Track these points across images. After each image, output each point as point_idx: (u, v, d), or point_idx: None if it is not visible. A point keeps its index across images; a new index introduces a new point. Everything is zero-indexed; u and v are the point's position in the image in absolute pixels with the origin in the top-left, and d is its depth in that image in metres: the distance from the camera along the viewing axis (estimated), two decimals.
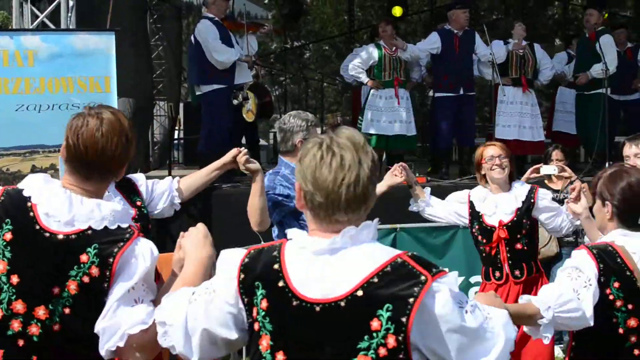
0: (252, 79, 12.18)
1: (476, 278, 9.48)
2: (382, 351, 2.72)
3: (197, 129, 12.83)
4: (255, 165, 5.83)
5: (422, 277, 2.76)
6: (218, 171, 6.00)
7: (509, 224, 6.88)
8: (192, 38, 11.74)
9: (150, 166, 15.75)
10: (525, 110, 13.03)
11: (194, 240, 3.44)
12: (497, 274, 6.97)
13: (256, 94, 12.02)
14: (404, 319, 2.71)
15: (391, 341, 2.71)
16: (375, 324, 2.72)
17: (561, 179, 8.52)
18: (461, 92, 12.72)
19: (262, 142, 26.39)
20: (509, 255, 6.92)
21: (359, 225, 2.86)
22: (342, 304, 2.76)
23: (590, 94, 13.11)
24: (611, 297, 4.07)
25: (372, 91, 12.81)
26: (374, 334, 2.73)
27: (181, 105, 18.51)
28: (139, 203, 5.66)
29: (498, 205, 6.93)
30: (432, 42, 12.86)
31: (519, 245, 6.91)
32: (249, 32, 12.04)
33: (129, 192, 5.68)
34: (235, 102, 11.65)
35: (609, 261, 4.08)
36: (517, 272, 6.91)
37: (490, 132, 13.16)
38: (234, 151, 5.85)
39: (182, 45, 18.03)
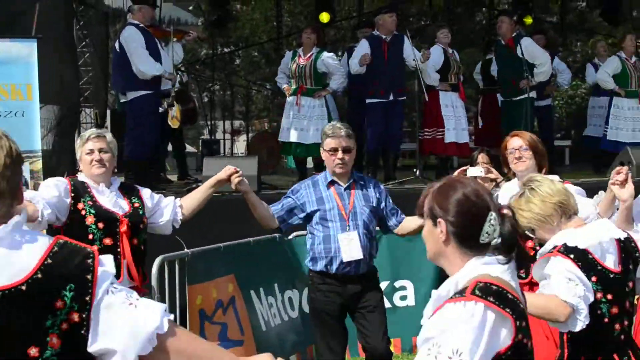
0: (178, 85, 12.10)
1: (401, 282, 9.50)
2: (64, 326, 2.71)
3: (123, 136, 12.72)
4: (245, 186, 6.30)
5: (88, 250, 2.80)
6: (213, 189, 6.46)
7: None
8: (117, 44, 11.63)
9: (77, 174, 15.53)
10: (459, 113, 13.20)
11: None
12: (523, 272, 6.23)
13: (180, 101, 11.95)
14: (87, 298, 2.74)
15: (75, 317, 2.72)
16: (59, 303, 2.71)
17: (487, 181, 8.58)
18: (391, 97, 12.75)
19: (191, 149, 26.30)
20: None
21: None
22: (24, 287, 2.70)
23: (517, 100, 13.25)
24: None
25: (287, 99, 12.86)
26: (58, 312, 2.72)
27: (108, 112, 18.33)
28: (136, 204, 6.27)
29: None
30: (363, 50, 12.83)
31: (530, 243, 6.17)
32: (174, 40, 11.97)
33: (131, 194, 6.32)
34: (161, 109, 11.57)
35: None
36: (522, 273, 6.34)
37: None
38: (230, 169, 6.23)
39: (109, 52, 17.85)
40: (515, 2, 19.61)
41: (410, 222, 6.94)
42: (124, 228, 6.12)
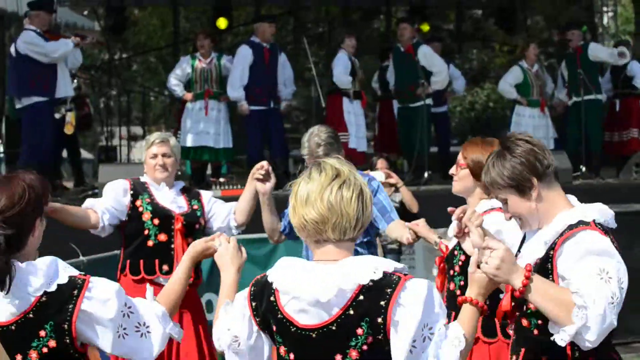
0: (75, 92, 11.95)
1: None
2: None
3: (18, 143, 12.49)
4: (264, 186, 6.18)
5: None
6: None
7: None
8: (13, 49, 11.45)
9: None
10: (360, 121, 13.27)
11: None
12: None
13: (75, 106, 11.81)
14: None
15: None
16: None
17: (386, 186, 8.68)
18: (271, 104, 12.77)
19: (88, 155, 25.98)
20: None
21: None
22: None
23: (414, 107, 13.39)
24: None
25: (187, 104, 12.78)
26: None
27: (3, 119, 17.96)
28: (195, 207, 6.56)
29: None
30: (245, 56, 12.78)
31: None
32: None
33: (192, 197, 6.63)
34: (57, 115, 11.40)
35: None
36: None
37: None
38: (258, 166, 6.21)
39: (5, 58, 17.50)
40: (412, 9, 19.82)
41: (393, 231, 6.46)
42: (178, 225, 6.38)
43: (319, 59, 23.30)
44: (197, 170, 13.49)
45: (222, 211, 6.66)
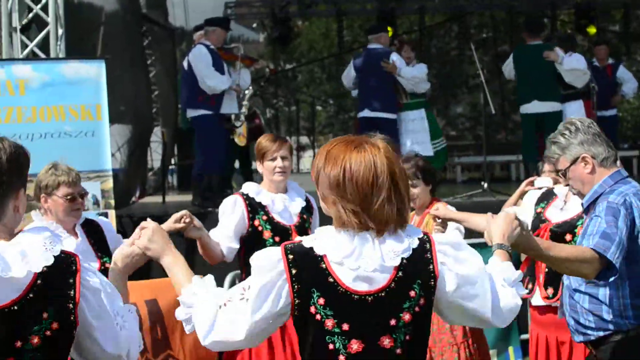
0: (245, 104, 12.18)
1: None
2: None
3: (190, 154, 12.81)
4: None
5: None
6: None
7: None
8: (186, 62, 11.74)
9: (145, 192, 15.75)
10: None
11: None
12: None
13: (246, 118, 12.04)
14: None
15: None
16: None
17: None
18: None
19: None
20: None
21: None
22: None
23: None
24: None
25: None
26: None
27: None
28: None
29: None
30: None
31: None
32: (242, 65, 12.02)
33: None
34: (228, 126, 11.65)
35: None
36: None
37: None
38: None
39: (177, 70, 18.06)
40: (578, 12, 19.49)
41: None
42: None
43: (482, 64, 23.11)
44: None
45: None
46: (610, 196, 4.44)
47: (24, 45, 10.41)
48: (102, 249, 5.81)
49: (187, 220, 5.77)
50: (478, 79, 12.17)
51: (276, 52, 23.22)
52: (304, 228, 6.27)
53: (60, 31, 10.41)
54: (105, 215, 8.77)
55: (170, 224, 5.73)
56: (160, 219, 5.26)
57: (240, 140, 11.87)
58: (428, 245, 3.25)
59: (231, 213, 6.18)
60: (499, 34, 24.99)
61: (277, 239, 6.09)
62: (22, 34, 10.42)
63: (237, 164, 12.89)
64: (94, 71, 9.58)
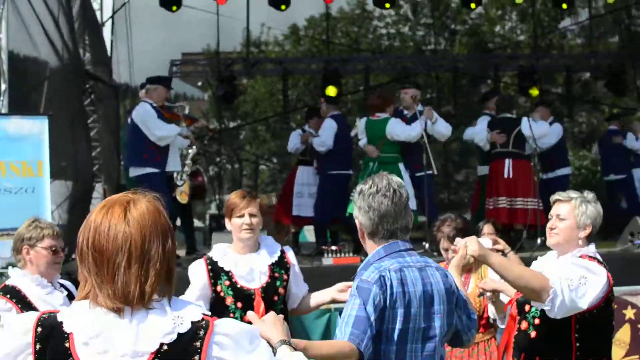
0: (184, 168, 12.17)
1: None
2: None
3: None
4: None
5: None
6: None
7: None
8: (129, 120, 11.72)
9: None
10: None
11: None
12: None
13: (188, 176, 12.04)
14: None
15: None
16: None
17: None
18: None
19: (199, 223, 26.31)
20: None
21: None
22: None
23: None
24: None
25: None
26: None
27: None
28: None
29: None
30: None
31: None
32: (184, 125, 12.04)
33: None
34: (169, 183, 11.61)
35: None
36: None
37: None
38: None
39: (120, 127, 17.97)
40: (521, 75, 19.77)
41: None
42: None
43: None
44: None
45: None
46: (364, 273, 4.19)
47: None
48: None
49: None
50: (421, 140, 12.16)
51: (221, 110, 23.23)
52: (274, 288, 5.97)
53: (3, 86, 10.36)
54: None
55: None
56: None
57: (182, 197, 11.84)
58: (202, 333, 2.79)
59: (194, 279, 6.01)
60: (443, 94, 25.25)
61: (239, 304, 5.88)
62: None
63: (178, 222, 12.82)
64: (37, 127, 9.54)
